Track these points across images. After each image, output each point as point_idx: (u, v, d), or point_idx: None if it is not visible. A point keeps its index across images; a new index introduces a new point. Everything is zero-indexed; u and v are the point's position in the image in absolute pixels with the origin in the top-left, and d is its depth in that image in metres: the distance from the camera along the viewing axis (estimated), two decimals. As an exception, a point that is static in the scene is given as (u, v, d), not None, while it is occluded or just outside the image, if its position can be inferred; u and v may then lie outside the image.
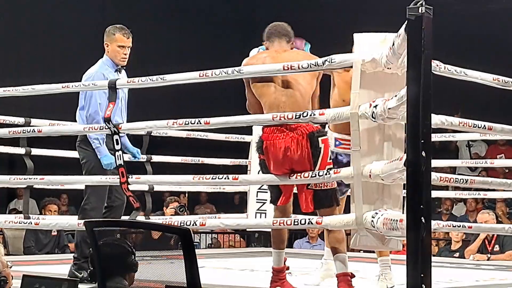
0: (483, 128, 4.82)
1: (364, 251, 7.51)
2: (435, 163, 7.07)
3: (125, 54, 5.88)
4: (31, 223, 6.16)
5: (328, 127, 5.41)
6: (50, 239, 8.80)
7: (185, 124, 5.19)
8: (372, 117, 4.31)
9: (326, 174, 4.74)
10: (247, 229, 9.40)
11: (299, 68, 4.74)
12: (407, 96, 3.57)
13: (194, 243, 8.28)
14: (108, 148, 5.71)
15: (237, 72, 4.96)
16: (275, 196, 5.11)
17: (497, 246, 8.43)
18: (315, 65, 4.71)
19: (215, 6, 13.11)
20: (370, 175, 4.39)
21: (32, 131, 6.12)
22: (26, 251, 8.68)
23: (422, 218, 3.41)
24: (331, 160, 4.93)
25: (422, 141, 3.47)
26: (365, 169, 4.43)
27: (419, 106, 3.48)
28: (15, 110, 7.39)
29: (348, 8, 12.18)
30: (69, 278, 5.38)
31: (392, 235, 4.23)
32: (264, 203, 8.15)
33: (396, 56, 4.09)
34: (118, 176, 5.36)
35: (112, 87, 5.39)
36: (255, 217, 8.11)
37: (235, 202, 11.52)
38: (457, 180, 4.77)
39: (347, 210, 4.90)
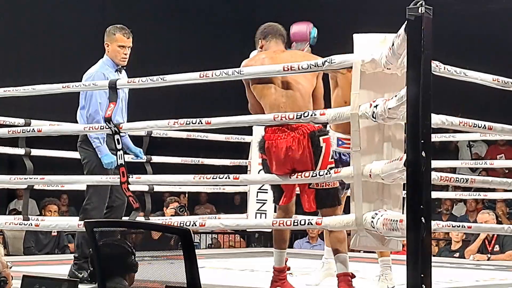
0: (483, 128, 4.82)
1: (364, 251, 7.50)
2: (435, 163, 7.07)
3: (126, 54, 5.89)
4: (31, 225, 6.16)
5: (330, 126, 5.42)
6: (50, 240, 8.80)
7: (186, 124, 5.19)
8: (373, 117, 4.31)
9: (326, 174, 4.74)
10: (247, 230, 9.41)
11: (299, 69, 4.75)
12: (407, 96, 3.57)
13: (194, 244, 8.27)
14: (109, 148, 5.71)
15: (237, 73, 4.96)
16: (277, 196, 5.13)
17: (497, 246, 8.43)
18: (315, 66, 4.72)
19: (215, 6, 13.11)
20: (370, 175, 4.39)
21: (31, 131, 6.12)
22: (26, 251, 8.68)
23: (422, 218, 3.41)
24: (332, 160, 4.94)
25: (422, 141, 3.47)
26: (365, 168, 4.43)
27: (419, 106, 3.48)
28: (15, 110, 7.38)
29: (348, 8, 12.18)
30: (69, 278, 5.39)
31: (392, 235, 4.22)
32: (264, 203, 8.15)
33: (396, 57, 4.09)
34: (118, 176, 5.37)
35: (113, 87, 5.39)
36: (255, 218, 8.11)
37: (235, 203, 11.52)
38: (457, 179, 4.77)
39: (346, 211, 4.90)
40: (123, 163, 5.34)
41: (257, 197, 8.20)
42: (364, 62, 4.45)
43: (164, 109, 10.14)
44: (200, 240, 10.53)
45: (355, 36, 4.64)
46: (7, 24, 11.29)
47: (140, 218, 6.39)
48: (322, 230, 6.56)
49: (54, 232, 8.63)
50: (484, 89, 5.09)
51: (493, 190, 8.46)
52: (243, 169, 8.35)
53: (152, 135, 7.41)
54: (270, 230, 6.43)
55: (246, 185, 8.19)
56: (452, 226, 6.17)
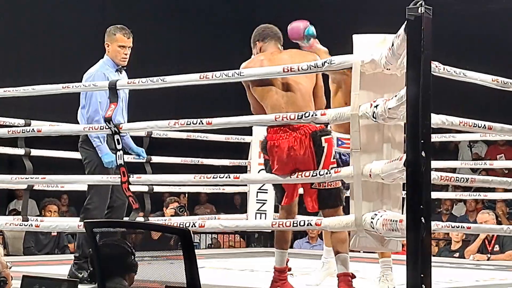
0: (483, 127, 4.82)
1: (364, 251, 7.51)
2: (435, 164, 7.07)
3: (126, 54, 5.90)
4: (31, 225, 6.16)
5: (330, 127, 5.42)
6: (50, 240, 8.80)
7: (187, 124, 5.19)
8: (373, 117, 4.31)
9: (326, 174, 4.74)
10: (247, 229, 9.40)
11: (299, 70, 4.75)
12: (407, 96, 3.57)
13: (194, 244, 8.27)
14: (109, 147, 5.71)
15: (238, 74, 4.96)
16: (279, 196, 5.14)
17: (497, 246, 8.43)
18: (315, 67, 4.73)
19: (215, 6, 13.11)
20: (370, 175, 4.39)
21: (31, 131, 6.12)
22: (26, 251, 8.68)
23: (422, 218, 3.40)
24: (334, 159, 4.94)
25: (422, 141, 3.47)
26: (365, 168, 4.43)
27: (419, 106, 3.48)
28: (15, 111, 7.38)
29: (348, 8, 12.18)
30: (69, 278, 5.39)
31: (392, 236, 4.22)
32: (264, 203, 8.15)
33: (396, 57, 4.09)
34: (119, 176, 5.37)
35: (113, 88, 5.39)
36: (255, 218, 8.11)
37: (235, 203, 11.52)
38: (457, 179, 4.77)
39: (346, 211, 4.90)
40: (123, 163, 5.34)
41: (257, 197, 8.20)
42: (364, 63, 4.44)
43: (164, 109, 10.15)
44: (200, 240, 10.52)
45: (355, 36, 4.64)
46: (7, 24, 11.29)
47: (140, 219, 6.39)
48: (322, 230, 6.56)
49: (54, 232, 8.63)
50: (484, 90, 5.09)
51: (493, 190, 8.47)
52: (243, 169, 8.35)
53: (152, 135, 7.41)
54: (270, 230, 6.43)
55: (246, 185, 8.19)
56: (452, 227, 6.17)
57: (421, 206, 3.42)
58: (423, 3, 3.53)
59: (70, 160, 7.21)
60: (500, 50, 11.43)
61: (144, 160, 7.05)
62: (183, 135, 7.89)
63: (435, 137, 7.47)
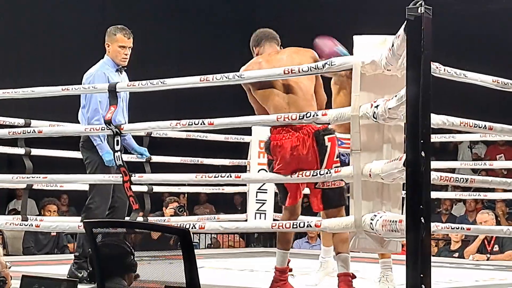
0: (483, 128, 4.82)
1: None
2: (434, 164, 7.07)
3: (126, 55, 5.90)
4: (31, 225, 6.16)
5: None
6: (49, 240, 8.81)
7: (188, 125, 5.19)
8: (374, 117, 4.30)
9: (327, 173, 4.74)
10: (247, 229, 9.40)
11: (299, 71, 4.75)
12: (407, 96, 3.57)
13: (194, 244, 8.27)
14: (110, 147, 5.71)
15: (238, 77, 4.96)
16: (282, 196, 5.14)
17: (496, 246, 8.43)
18: (315, 69, 4.72)
19: (215, 6, 13.11)
20: (370, 174, 4.39)
21: (32, 132, 6.11)
22: (25, 251, 8.68)
23: (422, 218, 3.40)
24: (338, 159, 4.94)
25: (422, 141, 3.46)
26: (365, 168, 4.43)
27: (419, 106, 3.48)
28: (15, 110, 7.38)
29: (348, 8, 12.17)
30: (68, 278, 5.38)
31: (392, 236, 4.22)
32: (264, 203, 8.15)
33: (396, 57, 4.09)
34: (121, 175, 5.37)
35: (112, 91, 5.39)
36: (255, 218, 8.11)
37: (234, 203, 11.52)
38: (457, 179, 4.77)
39: (346, 211, 4.90)
40: (122, 164, 5.35)
41: (256, 197, 8.20)
42: (364, 64, 4.44)
43: (164, 109, 10.14)
44: (199, 240, 10.52)
45: (355, 37, 4.64)
46: (7, 24, 11.29)
47: (139, 218, 6.39)
48: (321, 230, 6.55)
49: (53, 232, 8.63)
50: (484, 90, 5.09)
51: (493, 190, 8.47)
52: (243, 169, 8.35)
53: (152, 135, 7.41)
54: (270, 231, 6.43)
55: (246, 185, 8.19)
56: (452, 228, 6.17)
57: (421, 206, 3.42)
58: (423, 3, 3.52)
59: (70, 160, 7.21)
60: (500, 50, 11.43)
61: (144, 160, 7.05)
62: (183, 135, 7.89)
63: (435, 137, 7.47)
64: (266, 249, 8.79)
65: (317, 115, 4.71)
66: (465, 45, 11.46)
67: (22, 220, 6.44)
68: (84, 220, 4.08)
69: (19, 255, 8.31)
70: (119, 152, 5.35)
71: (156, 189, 7.44)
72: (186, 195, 11.09)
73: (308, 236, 9.34)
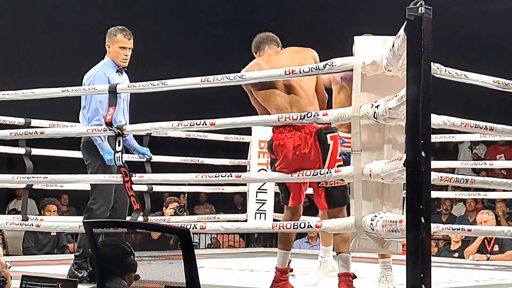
0: (484, 128, 4.82)
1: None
2: (434, 164, 7.05)
3: (126, 55, 5.90)
4: (32, 225, 6.16)
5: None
6: (49, 240, 8.80)
7: (190, 125, 5.19)
8: (374, 117, 4.30)
9: (327, 173, 4.74)
10: (247, 229, 9.39)
11: (300, 72, 4.75)
12: (407, 96, 3.57)
13: (194, 243, 8.27)
14: (111, 147, 5.71)
15: (239, 78, 4.97)
16: (284, 196, 5.14)
17: (496, 246, 8.43)
18: (316, 69, 4.73)
19: (215, 6, 13.11)
20: (370, 174, 4.39)
21: (34, 133, 6.11)
22: (25, 251, 8.68)
23: (422, 218, 3.40)
24: (341, 157, 4.94)
25: (422, 141, 3.46)
26: (365, 168, 4.42)
27: (419, 106, 3.48)
28: (15, 110, 7.38)
29: (348, 8, 12.17)
30: (68, 278, 5.38)
31: (392, 237, 4.22)
32: (264, 203, 8.15)
33: (396, 58, 4.09)
34: (121, 175, 5.37)
35: (113, 92, 5.40)
36: (255, 218, 8.11)
37: (234, 202, 11.52)
38: (457, 179, 4.77)
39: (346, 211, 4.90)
40: (122, 164, 5.35)
41: (256, 197, 8.20)
42: (365, 65, 4.44)
43: (164, 109, 10.13)
44: (199, 240, 10.52)
45: (356, 38, 4.64)
46: (7, 24, 11.29)
47: (139, 218, 6.38)
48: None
49: (53, 232, 8.63)
50: (484, 91, 5.09)
51: (493, 190, 8.46)
52: (243, 169, 8.35)
53: (152, 134, 7.40)
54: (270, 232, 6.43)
55: (246, 185, 8.19)
56: (452, 229, 6.16)
57: (421, 206, 3.42)
58: (423, 3, 3.52)
59: (71, 160, 7.21)
60: (500, 50, 11.43)
61: (144, 160, 7.05)
62: (183, 134, 7.89)
63: (435, 137, 7.47)
64: (266, 249, 8.79)
65: (318, 115, 4.71)
66: (465, 45, 11.46)
67: (22, 220, 6.44)
68: (84, 221, 4.08)
69: (19, 255, 8.31)
70: (119, 153, 5.36)
71: (156, 189, 7.43)
72: (186, 195, 11.09)
73: (308, 236, 9.34)
